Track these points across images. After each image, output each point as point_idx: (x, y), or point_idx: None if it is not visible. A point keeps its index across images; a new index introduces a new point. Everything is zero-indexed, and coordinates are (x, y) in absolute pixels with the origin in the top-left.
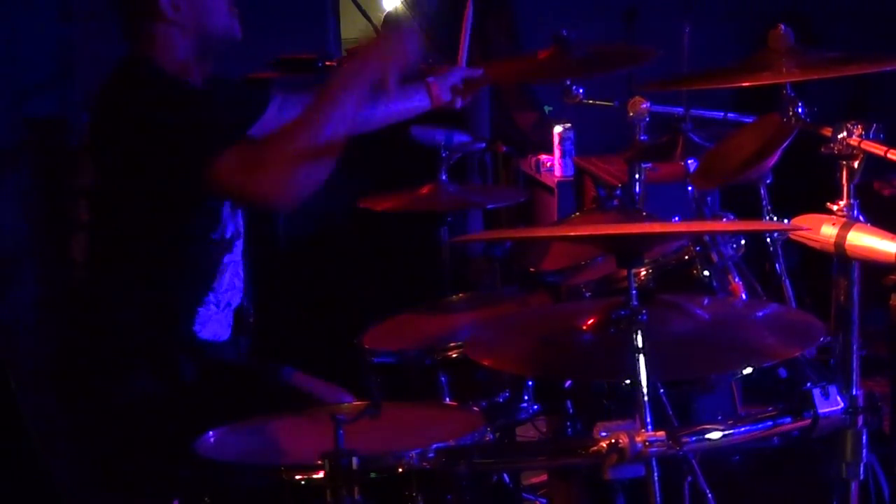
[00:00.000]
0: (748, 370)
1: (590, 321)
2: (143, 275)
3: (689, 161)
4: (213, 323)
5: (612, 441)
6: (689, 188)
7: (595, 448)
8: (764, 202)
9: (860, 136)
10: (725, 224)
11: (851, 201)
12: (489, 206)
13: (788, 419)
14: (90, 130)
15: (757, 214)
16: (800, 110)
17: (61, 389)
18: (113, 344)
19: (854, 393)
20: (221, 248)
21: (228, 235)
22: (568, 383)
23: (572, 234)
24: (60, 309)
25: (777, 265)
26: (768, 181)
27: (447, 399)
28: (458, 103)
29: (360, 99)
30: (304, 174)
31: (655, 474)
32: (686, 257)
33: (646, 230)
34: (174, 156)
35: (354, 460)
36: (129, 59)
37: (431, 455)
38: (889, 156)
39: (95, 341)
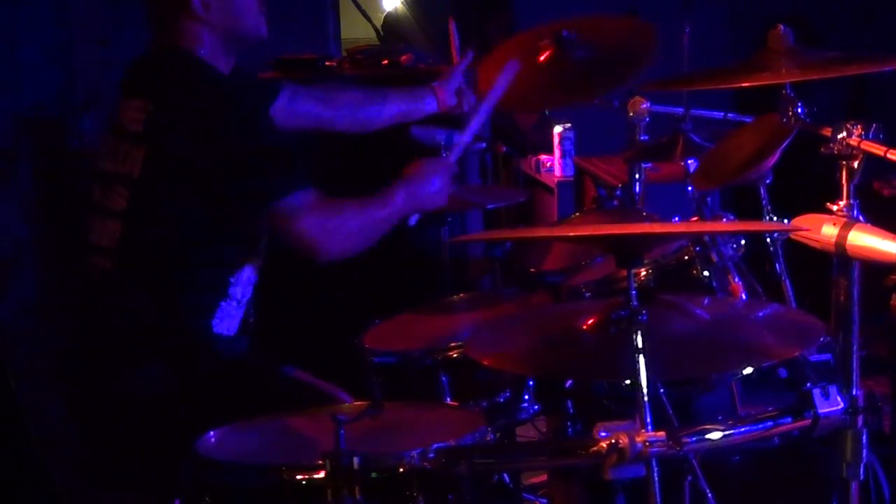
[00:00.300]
0: (748, 370)
1: (590, 321)
2: (172, 268)
3: (690, 161)
4: (229, 317)
5: (613, 441)
6: (689, 188)
7: (595, 448)
8: (764, 202)
9: (860, 136)
10: (725, 224)
11: (851, 201)
12: (489, 206)
13: (789, 419)
14: (146, 118)
15: (757, 215)
16: (799, 110)
17: (65, 382)
18: (129, 333)
19: (854, 393)
20: (249, 246)
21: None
22: (568, 383)
23: (572, 234)
24: (72, 295)
25: (777, 265)
26: (768, 181)
27: (448, 399)
28: (465, 106)
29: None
30: (357, 247)
31: (656, 474)
32: (686, 257)
33: (646, 231)
34: (244, 176)
35: (355, 460)
36: (170, 52)
37: (432, 455)
38: (889, 156)
39: (110, 329)
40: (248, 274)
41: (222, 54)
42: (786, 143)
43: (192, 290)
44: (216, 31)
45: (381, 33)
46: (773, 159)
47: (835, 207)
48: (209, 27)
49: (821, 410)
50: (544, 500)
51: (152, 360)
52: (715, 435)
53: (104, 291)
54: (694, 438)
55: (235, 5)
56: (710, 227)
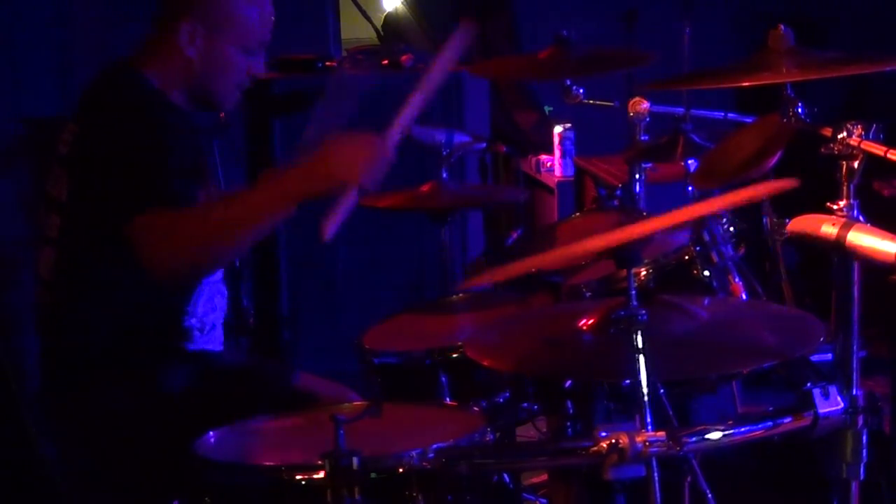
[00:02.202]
0: (748, 370)
1: (590, 321)
2: (113, 299)
3: (690, 161)
4: (199, 341)
5: (613, 441)
6: (690, 188)
7: (595, 448)
8: (764, 202)
9: (860, 136)
10: (708, 202)
11: (851, 201)
12: (489, 206)
13: (788, 419)
14: (72, 140)
15: (757, 214)
16: (800, 110)
17: (48, 401)
18: (86, 361)
19: (854, 393)
20: None
21: None
22: (568, 383)
23: (570, 252)
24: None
25: (777, 265)
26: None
27: (448, 399)
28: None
29: (280, 217)
30: (202, 257)
31: (656, 474)
32: (686, 257)
33: (630, 235)
34: (122, 189)
35: (355, 460)
36: (119, 69)
37: (432, 455)
38: (889, 156)
39: (67, 358)
40: (206, 301)
41: (182, 94)
42: (786, 143)
43: (138, 323)
44: (186, 72)
45: (382, 33)
46: (773, 159)
47: (835, 207)
48: (183, 64)
49: (821, 410)
50: (544, 501)
51: (122, 381)
52: (715, 435)
53: (54, 325)
54: (694, 438)
55: (218, 61)
56: (692, 211)
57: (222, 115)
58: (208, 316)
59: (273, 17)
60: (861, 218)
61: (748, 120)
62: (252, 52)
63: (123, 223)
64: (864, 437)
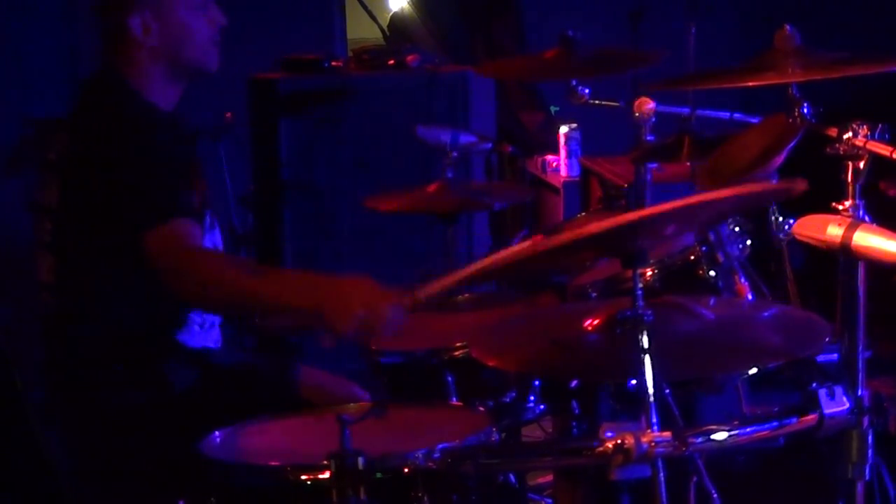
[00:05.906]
0: (754, 370)
1: (596, 321)
2: (113, 300)
3: (696, 161)
4: (199, 338)
5: (618, 441)
6: (695, 188)
7: (601, 448)
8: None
9: (865, 136)
10: (717, 192)
11: (857, 201)
12: (496, 207)
13: (794, 419)
14: (65, 149)
15: (762, 214)
16: (805, 110)
17: (54, 402)
18: (91, 361)
19: (860, 393)
20: None
21: None
22: (574, 383)
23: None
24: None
25: (783, 265)
26: (774, 181)
27: (454, 399)
28: None
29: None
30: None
31: (661, 475)
32: (692, 257)
33: (630, 218)
34: (129, 200)
35: (360, 460)
36: (101, 78)
37: (437, 455)
38: (895, 156)
39: (72, 360)
40: None
41: (165, 84)
42: (792, 143)
43: (139, 322)
44: (158, 59)
45: (387, 33)
46: (779, 159)
47: (840, 207)
48: (150, 53)
49: (826, 411)
50: (549, 501)
51: (125, 379)
52: (720, 435)
53: (56, 327)
54: (699, 439)
55: (180, 32)
56: (699, 198)
57: (228, 115)
58: (209, 314)
59: None
60: (867, 218)
61: (754, 120)
62: (203, 4)
63: (140, 231)
64: (870, 438)
